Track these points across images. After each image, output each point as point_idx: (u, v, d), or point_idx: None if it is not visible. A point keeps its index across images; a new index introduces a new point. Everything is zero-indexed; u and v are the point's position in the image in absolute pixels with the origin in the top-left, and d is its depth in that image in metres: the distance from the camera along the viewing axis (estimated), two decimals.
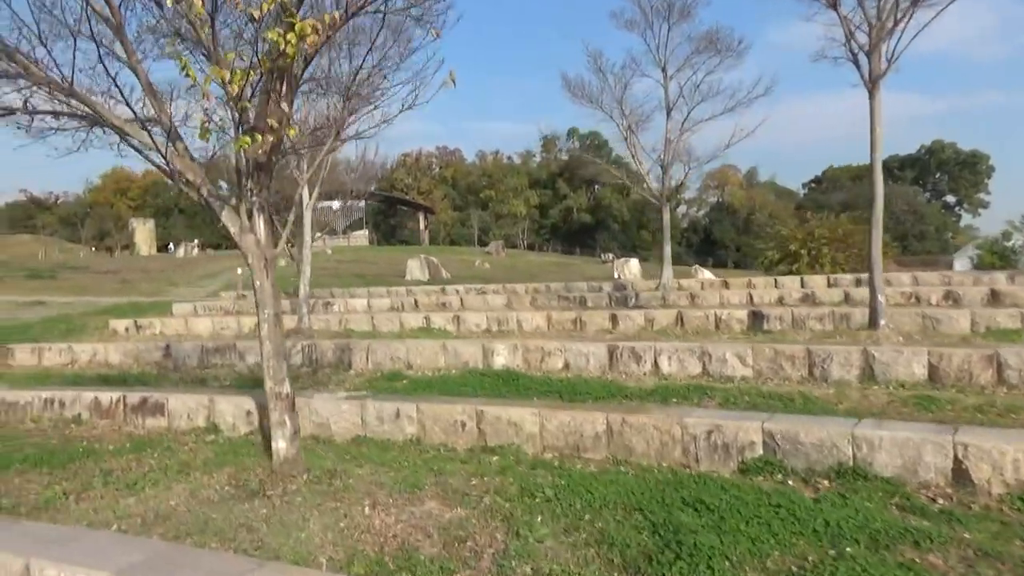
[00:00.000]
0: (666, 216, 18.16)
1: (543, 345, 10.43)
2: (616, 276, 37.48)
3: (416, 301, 18.96)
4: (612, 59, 25.49)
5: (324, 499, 5.20)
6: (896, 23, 9.65)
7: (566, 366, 10.19)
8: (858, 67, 9.94)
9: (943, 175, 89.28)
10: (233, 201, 5.40)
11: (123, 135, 5.07)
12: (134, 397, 8.46)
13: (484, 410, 6.84)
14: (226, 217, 5.25)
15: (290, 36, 4.13)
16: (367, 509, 5.02)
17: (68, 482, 6.26)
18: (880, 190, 10.59)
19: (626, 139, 17.65)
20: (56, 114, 5.23)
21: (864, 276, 18.13)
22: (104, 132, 5.94)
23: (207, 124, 4.52)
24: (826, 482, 5.30)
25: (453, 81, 5.44)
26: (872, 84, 9.88)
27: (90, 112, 5.05)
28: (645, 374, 9.61)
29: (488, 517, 4.87)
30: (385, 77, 5.15)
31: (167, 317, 17.50)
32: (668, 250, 17.96)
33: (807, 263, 26.58)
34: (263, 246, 5.38)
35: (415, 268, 37.51)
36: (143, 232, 68.62)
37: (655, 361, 9.65)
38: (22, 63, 4.81)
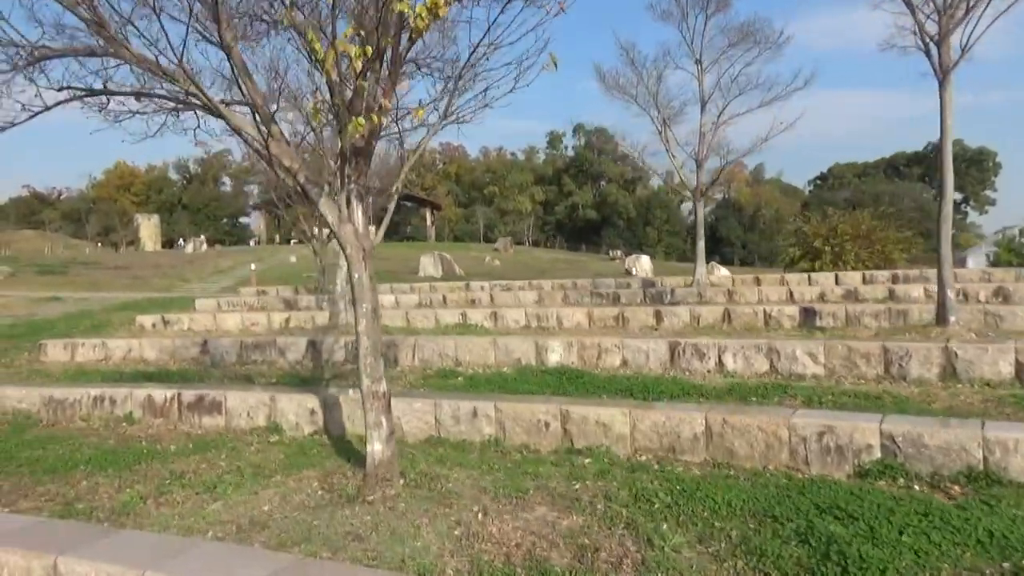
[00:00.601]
0: (700, 212, 17.90)
1: (599, 341, 10.13)
2: (632, 272, 37.27)
3: (445, 297, 18.65)
4: (644, 52, 25.19)
5: (430, 505, 4.90)
6: (968, 11, 9.34)
7: (624, 363, 9.90)
8: (928, 57, 9.65)
9: None
10: (326, 190, 5.08)
11: (221, 118, 4.76)
12: (189, 395, 8.16)
13: (569, 410, 6.55)
14: (324, 205, 4.94)
15: (420, 8, 3.84)
16: (480, 515, 4.73)
17: (140, 485, 5.96)
18: (950, 184, 10.35)
19: (661, 133, 17.35)
20: (149, 96, 4.92)
21: (901, 272, 17.89)
22: (179, 117, 5.63)
23: (319, 105, 4.21)
24: (956, 488, 5.01)
25: (555, 63, 5.14)
26: (943, 75, 9.59)
27: (182, 94, 4.74)
28: (709, 372, 9.32)
29: (609, 524, 4.57)
30: (487, 58, 4.82)
31: (192, 313, 17.19)
32: (702, 246, 17.69)
33: (830, 260, 26.31)
34: (361, 236, 5.07)
35: (428, 264, 37.23)
36: (148, 228, 68.18)
37: (719, 358, 9.36)
38: (111, 39, 4.50)
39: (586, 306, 14.80)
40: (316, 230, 21.77)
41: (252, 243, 71.54)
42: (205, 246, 53.14)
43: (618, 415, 6.36)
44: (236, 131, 4.80)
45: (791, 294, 15.71)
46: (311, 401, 7.62)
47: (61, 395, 8.69)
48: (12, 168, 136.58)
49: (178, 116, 5.38)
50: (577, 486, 5.36)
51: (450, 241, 74.46)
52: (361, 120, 4.29)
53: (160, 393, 8.31)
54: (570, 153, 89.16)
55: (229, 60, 4.75)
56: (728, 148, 17.85)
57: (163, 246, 69.93)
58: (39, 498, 5.79)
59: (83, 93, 5.04)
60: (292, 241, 70.06)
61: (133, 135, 5.37)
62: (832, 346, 8.76)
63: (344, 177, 4.86)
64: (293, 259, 41.48)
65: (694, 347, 9.53)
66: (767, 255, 75.05)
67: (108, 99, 5.42)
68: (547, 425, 6.62)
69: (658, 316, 13.03)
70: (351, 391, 7.62)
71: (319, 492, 5.29)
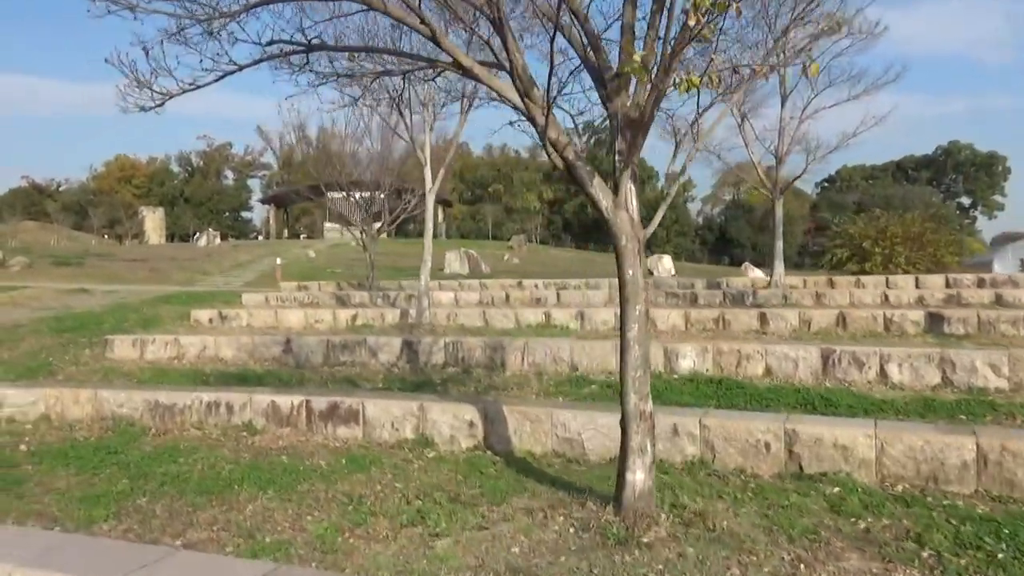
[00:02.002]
0: (779, 211, 17.16)
1: (739, 348, 9.31)
2: (653, 272, 36.55)
3: (508, 296, 17.81)
4: None
5: (725, 550, 4.07)
6: None
7: (768, 371, 9.08)
8: None
9: (958, 176, 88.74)
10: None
11: (478, 80, 3.93)
12: (321, 402, 7.30)
13: (797, 429, 5.73)
14: (597, 189, 4.12)
15: None
16: (796, 568, 3.90)
17: (320, 512, 5.12)
18: None
19: (740, 127, 16.57)
20: (392, 53, 4.07)
21: (987, 276, 17.19)
22: (387, 80, 4.75)
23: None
24: None
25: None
26: None
27: (425, 53, 3.90)
28: (870, 383, 8.52)
29: None
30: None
31: (248, 308, 16.24)
32: (780, 246, 16.95)
33: (880, 262, 25.62)
34: (636, 226, 4.25)
35: (454, 261, 36.45)
36: (153, 220, 67.02)
37: (881, 368, 8.57)
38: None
39: (680, 307, 14.00)
40: (364, 225, 20.95)
41: (259, 237, 70.44)
42: (219, 240, 52.01)
43: (860, 436, 5.54)
44: (500, 96, 3.96)
45: (886, 297, 14.96)
46: (468, 412, 6.78)
47: (168, 400, 7.81)
48: (9, 158, 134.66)
49: (407, 79, 4.51)
50: (862, 524, 4.55)
51: (457, 238, 73.40)
52: (638, 58, 3.45)
53: (285, 400, 7.44)
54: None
55: (500, 36, 3.90)
56: (813, 143, 17.04)
57: (168, 239, 68.83)
58: (208, 527, 4.93)
59: (299, 48, 4.19)
60: (302, 235, 69.12)
61: (331, 103, 4.53)
62: (1019, 356, 7.97)
63: (620, 156, 4.03)
64: (312, 254, 40.53)
65: (852, 355, 8.72)
66: (828, 255, 74.38)
67: (308, 59, 4.57)
68: (767, 446, 5.80)
69: (763, 319, 12.23)
70: (506, 404, 6.80)
71: (569, 530, 4.44)
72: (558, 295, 17.43)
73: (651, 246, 75.23)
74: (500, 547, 4.27)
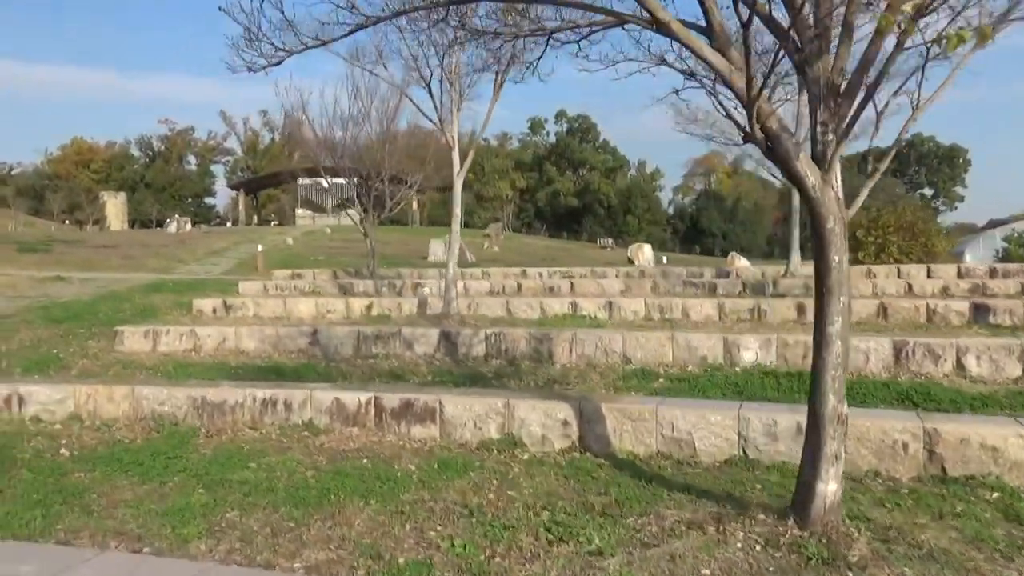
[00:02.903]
0: (795, 199, 16.87)
1: (806, 340, 8.94)
2: (634, 261, 36.35)
3: (519, 285, 17.27)
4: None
5: (951, 573, 3.64)
6: None
7: None
8: None
9: (921, 168, 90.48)
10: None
11: (675, 39, 3.41)
12: (392, 399, 6.71)
13: (938, 428, 5.34)
14: (804, 164, 3.62)
15: None
16: None
17: (441, 525, 4.57)
18: None
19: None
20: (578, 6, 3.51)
21: (1001, 267, 17.18)
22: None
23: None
24: None
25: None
26: None
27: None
28: (946, 375, 8.23)
29: None
30: None
31: (244, 297, 15.44)
32: (797, 234, 16.68)
33: (873, 252, 25.66)
34: (842, 206, 3.78)
35: (439, 250, 35.73)
36: (114, 206, 64.58)
37: (957, 360, 8.29)
38: None
39: (707, 297, 13.65)
40: (365, 210, 20.25)
41: (228, 223, 68.63)
42: (189, 226, 50.33)
43: (1012, 437, 5.18)
44: (699, 57, 3.44)
45: (909, 287, 14.81)
46: (561, 410, 6.28)
47: (216, 396, 7.13)
48: None
49: (548, 41, 3.95)
50: None
51: (426, 226, 72.35)
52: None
53: (350, 397, 6.84)
54: (551, 139, 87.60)
55: (706, 15, 3.37)
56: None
57: (130, 225, 66.61)
58: (323, 546, 4.35)
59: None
60: (272, 222, 67.46)
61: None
62: None
63: (827, 126, 3.55)
64: (289, 241, 39.39)
65: (926, 347, 8.42)
66: (748, 247, 74.90)
67: (448, 12, 3.99)
68: (905, 447, 5.40)
69: (800, 309, 11.92)
70: (605, 403, 6.32)
71: (755, 548, 3.97)
72: (572, 284, 16.94)
73: (624, 235, 75.43)
74: (685, 569, 3.78)
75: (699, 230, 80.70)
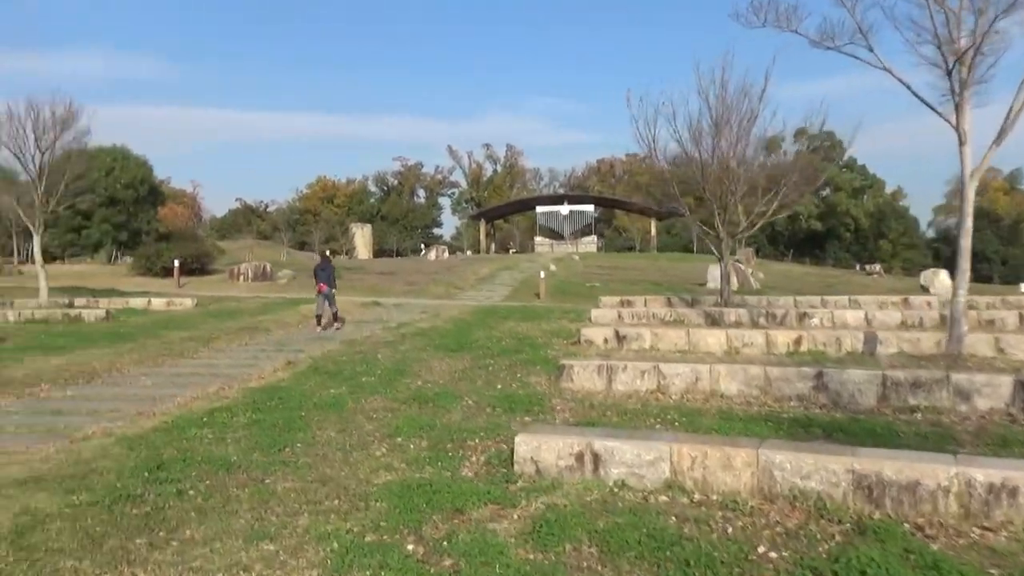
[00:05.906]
0: None
1: None
2: (929, 290, 31.36)
3: (921, 320, 14.19)
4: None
5: None
6: None
7: None
8: None
9: None
10: None
11: None
12: None
13: None
14: None
15: None
16: None
17: None
18: None
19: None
20: None
21: None
22: None
23: None
24: None
25: None
26: None
27: None
28: None
29: None
30: None
31: (602, 327, 13.64)
32: None
33: None
34: None
35: (718, 275, 33.00)
36: (362, 236, 68.51)
37: None
38: None
39: None
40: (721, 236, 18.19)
41: (468, 252, 70.29)
42: (447, 254, 51.52)
43: None
44: None
45: None
46: None
47: (897, 474, 4.96)
48: (225, 184, 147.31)
49: None
50: None
51: (656, 252, 69.34)
52: None
53: None
54: (787, 160, 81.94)
55: None
56: None
57: (374, 255, 70.03)
58: None
59: None
60: (511, 250, 68.22)
61: None
62: None
63: None
64: (553, 268, 38.31)
65: None
66: None
67: None
68: None
69: None
70: None
71: None
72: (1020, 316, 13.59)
73: (876, 260, 67.92)
74: None
75: (972, 255, 71.16)
